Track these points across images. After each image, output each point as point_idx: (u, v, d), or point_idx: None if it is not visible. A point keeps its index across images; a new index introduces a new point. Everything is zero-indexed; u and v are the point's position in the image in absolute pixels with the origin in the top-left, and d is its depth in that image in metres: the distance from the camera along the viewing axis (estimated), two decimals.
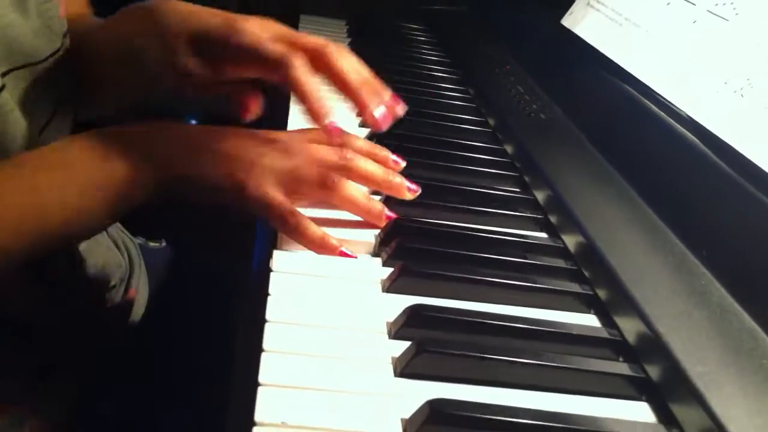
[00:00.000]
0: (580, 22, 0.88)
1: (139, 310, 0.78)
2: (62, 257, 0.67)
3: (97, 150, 0.55)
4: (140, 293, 0.80)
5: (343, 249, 0.57)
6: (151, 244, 0.93)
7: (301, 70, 0.58)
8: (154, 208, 0.57)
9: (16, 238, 0.53)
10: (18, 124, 0.57)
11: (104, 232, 0.79)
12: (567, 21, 0.91)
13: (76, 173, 0.54)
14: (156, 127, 0.58)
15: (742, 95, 0.59)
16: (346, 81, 0.61)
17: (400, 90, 0.94)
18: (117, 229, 0.83)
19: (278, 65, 0.58)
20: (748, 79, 0.59)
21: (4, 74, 0.56)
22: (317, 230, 0.57)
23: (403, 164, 0.67)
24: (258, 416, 0.41)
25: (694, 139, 0.63)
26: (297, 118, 0.84)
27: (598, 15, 0.85)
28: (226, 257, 0.88)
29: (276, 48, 0.59)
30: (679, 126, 0.65)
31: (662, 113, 0.68)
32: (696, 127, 0.63)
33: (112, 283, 0.75)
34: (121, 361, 0.73)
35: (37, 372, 0.64)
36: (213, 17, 0.61)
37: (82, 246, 0.71)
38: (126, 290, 0.76)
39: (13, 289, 0.60)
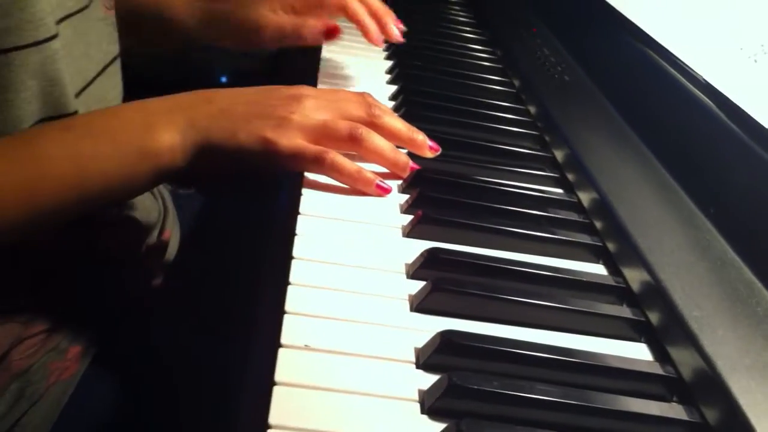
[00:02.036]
0: None
1: (172, 251, 0.83)
2: None
3: (141, 119, 0.58)
4: (173, 236, 0.84)
5: (379, 182, 0.60)
6: (181, 191, 0.97)
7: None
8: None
9: (56, 204, 0.55)
10: (68, 74, 0.60)
11: None
12: None
13: (120, 143, 0.56)
14: (196, 97, 0.60)
15: (755, 61, 0.61)
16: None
17: (428, 51, 0.97)
18: None
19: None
20: (762, 45, 0.61)
21: (59, 22, 0.59)
22: (353, 165, 0.60)
23: (439, 151, 0.68)
24: (284, 339, 0.45)
25: (709, 102, 0.65)
26: (327, 69, 0.88)
27: None
28: (253, 204, 0.92)
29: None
30: (695, 89, 0.67)
31: (680, 76, 0.70)
32: (711, 90, 0.65)
33: (150, 224, 0.79)
34: (154, 298, 0.78)
35: (79, 304, 0.69)
36: None
37: None
38: (161, 232, 0.80)
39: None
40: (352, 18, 0.80)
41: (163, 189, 0.88)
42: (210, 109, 0.59)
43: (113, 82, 0.70)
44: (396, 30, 0.82)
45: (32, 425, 0.61)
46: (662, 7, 0.78)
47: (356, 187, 0.61)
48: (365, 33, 0.80)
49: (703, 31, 0.70)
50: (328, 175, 0.61)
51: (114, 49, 0.70)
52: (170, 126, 0.57)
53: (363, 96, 0.64)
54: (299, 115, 0.60)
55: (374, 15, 0.81)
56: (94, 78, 0.66)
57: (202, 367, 0.68)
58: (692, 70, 0.69)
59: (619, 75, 0.80)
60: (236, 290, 0.75)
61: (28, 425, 0.60)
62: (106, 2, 0.68)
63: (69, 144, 0.56)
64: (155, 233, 0.80)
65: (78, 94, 0.63)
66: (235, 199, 0.97)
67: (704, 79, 0.66)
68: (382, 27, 0.81)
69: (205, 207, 0.96)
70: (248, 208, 0.95)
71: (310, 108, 0.61)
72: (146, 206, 0.78)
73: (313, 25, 0.77)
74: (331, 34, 0.78)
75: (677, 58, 0.71)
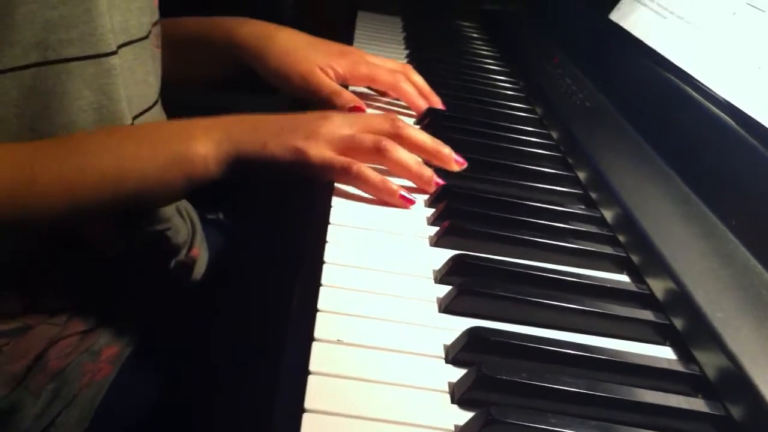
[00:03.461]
0: (627, 16, 0.92)
1: (199, 270, 0.85)
2: (149, 221, 0.74)
3: (181, 131, 0.63)
4: (201, 255, 0.86)
5: (403, 193, 0.63)
6: (209, 216, 0.99)
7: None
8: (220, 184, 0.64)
9: (94, 199, 0.60)
10: (127, 94, 0.65)
11: None
12: (615, 16, 0.95)
13: (159, 148, 0.61)
14: (233, 117, 0.65)
15: None
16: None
17: (453, 81, 1.00)
18: None
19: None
20: None
21: (122, 46, 0.64)
22: (378, 175, 0.63)
23: (465, 164, 0.70)
24: (317, 334, 0.46)
25: (730, 120, 0.67)
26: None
27: (645, 9, 0.89)
28: (280, 226, 0.95)
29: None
30: (715, 108, 0.69)
31: (700, 97, 0.71)
32: (731, 109, 0.67)
33: (179, 244, 0.81)
34: (187, 301, 0.80)
35: (114, 308, 0.71)
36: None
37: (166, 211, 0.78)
38: (189, 249, 0.82)
39: (111, 240, 0.69)
40: (403, 98, 0.85)
41: (192, 212, 0.91)
42: (243, 125, 0.64)
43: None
44: (440, 105, 0.87)
45: (67, 425, 0.62)
46: (683, 33, 0.80)
47: (380, 197, 0.63)
48: (416, 111, 0.85)
49: (719, 50, 0.72)
50: (354, 185, 0.63)
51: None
52: (206, 138, 0.62)
53: (388, 114, 0.67)
54: (326, 129, 0.64)
55: (422, 94, 0.86)
56: (154, 104, 0.71)
57: (235, 365, 0.69)
58: (711, 90, 0.70)
59: (640, 99, 0.82)
60: (264, 298, 0.77)
61: (62, 425, 0.62)
62: (155, 41, 0.74)
63: (112, 144, 0.61)
64: (184, 251, 0.82)
65: (137, 116, 0.69)
66: (262, 222, 0.99)
67: (723, 98, 0.68)
68: (429, 104, 0.86)
69: (232, 232, 0.99)
70: (273, 231, 0.97)
71: (336, 124, 0.65)
72: (176, 226, 0.81)
73: (347, 100, 0.79)
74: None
75: (697, 79, 0.73)
